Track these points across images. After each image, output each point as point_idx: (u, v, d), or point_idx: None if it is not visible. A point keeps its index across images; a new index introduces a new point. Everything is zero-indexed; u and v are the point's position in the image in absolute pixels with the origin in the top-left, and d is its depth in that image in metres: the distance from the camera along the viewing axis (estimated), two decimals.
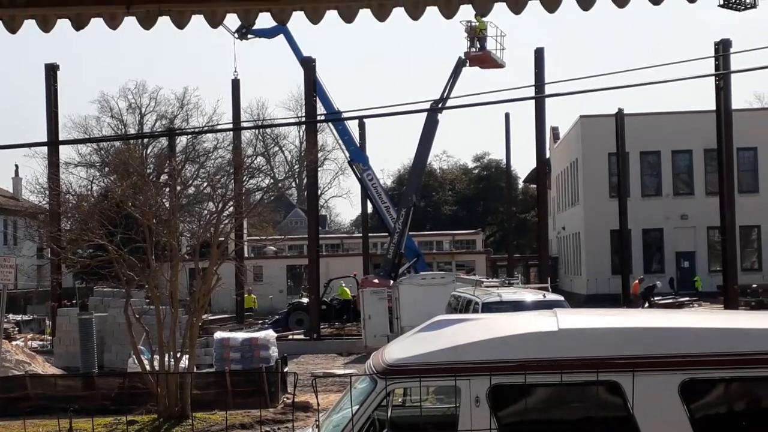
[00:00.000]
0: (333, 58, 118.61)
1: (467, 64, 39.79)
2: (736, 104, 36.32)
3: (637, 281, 45.28)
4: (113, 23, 6.40)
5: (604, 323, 8.10)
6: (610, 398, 7.16)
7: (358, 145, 44.72)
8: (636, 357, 7.16)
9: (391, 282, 34.15)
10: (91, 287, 34.97)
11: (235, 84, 43.51)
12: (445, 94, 38.56)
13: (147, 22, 6.31)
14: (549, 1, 6.48)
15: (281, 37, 42.03)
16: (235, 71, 43.52)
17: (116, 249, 18.39)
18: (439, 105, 36.55)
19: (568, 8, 6.79)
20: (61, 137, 45.93)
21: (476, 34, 39.40)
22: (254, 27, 39.77)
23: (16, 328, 38.51)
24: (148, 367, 18.73)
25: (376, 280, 36.55)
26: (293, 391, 18.30)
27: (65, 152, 79.80)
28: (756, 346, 7.27)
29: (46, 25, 6.45)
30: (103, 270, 19.74)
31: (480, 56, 39.77)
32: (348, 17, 6.44)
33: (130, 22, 6.48)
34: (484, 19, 37.64)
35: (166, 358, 18.41)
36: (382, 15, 6.45)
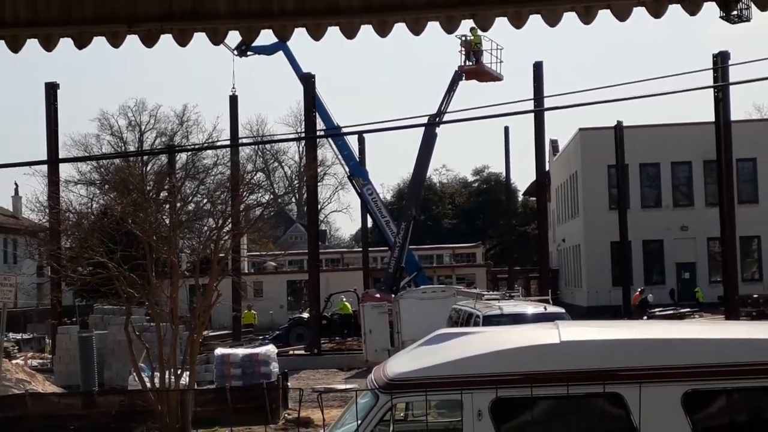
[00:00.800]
0: (332, 73, 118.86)
1: (463, 78, 39.94)
2: (735, 115, 36.45)
3: (637, 292, 45.25)
4: (115, 42, 6.44)
5: (606, 335, 8.11)
6: (613, 410, 7.17)
7: (358, 159, 44.78)
8: (638, 369, 7.17)
9: (393, 296, 34.14)
10: (91, 305, 34.92)
11: (233, 100, 43.61)
12: (443, 108, 38.71)
13: (149, 41, 6.36)
14: (550, 15, 6.53)
15: (280, 54, 42.15)
16: (234, 88, 43.62)
17: (116, 266, 18.38)
18: (437, 119, 36.65)
19: (569, 22, 6.85)
20: (61, 155, 46.03)
21: (471, 48, 39.55)
22: (254, 44, 39.87)
23: (16, 347, 38.45)
24: (148, 385, 18.69)
25: (377, 295, 36.54)
26: (298, 407, 18.29)
27: (65, 170, 79.83)
28: (758, 357, 7.29)
29: (48, 44, 6.50)
30: (103, 287, 19.71)
31: (475, 69, 39.93)
32: (349, 33, 6.49)
33: (131, 41, 6.53)
34: (480, 33, 37.81)
35: (167, 375, 18.38)
36: (383, 30, 6.50)
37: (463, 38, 39.09)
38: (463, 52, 39.83)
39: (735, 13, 30.49)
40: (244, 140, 62.18)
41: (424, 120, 36.41)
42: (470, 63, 39.90)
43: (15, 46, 6.58)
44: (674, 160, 54.85)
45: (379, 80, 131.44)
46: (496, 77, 40.66)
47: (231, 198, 22.95)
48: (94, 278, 19.98)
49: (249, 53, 42.60)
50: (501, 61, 40.69)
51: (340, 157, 43.78)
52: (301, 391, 18.79)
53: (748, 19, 29.24)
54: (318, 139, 46.32)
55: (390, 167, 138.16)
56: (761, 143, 52.56)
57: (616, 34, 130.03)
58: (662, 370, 7.16)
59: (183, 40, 6.48)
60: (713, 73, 33.04)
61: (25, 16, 6.48)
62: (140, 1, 6.39)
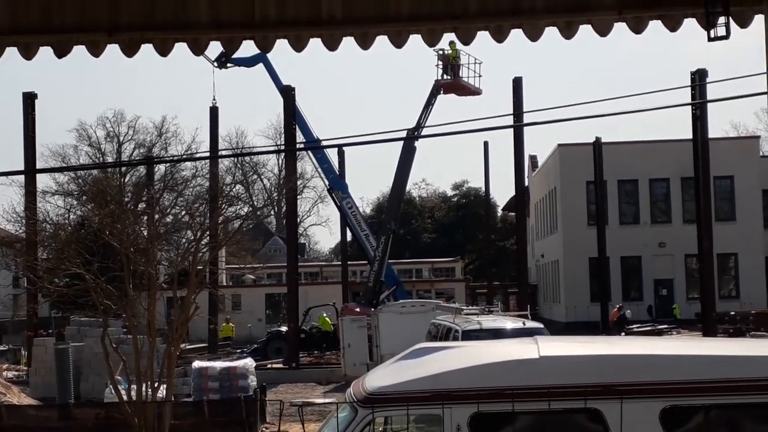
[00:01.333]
0: (311, 86, 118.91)
1: (441, 92, 40.02)
2: (712, 133, 36.70)
3: (615, 309, 45.38)
4: (96, 51, 6.39)
5: (585, 351, 8.11)
6: (592, 425, 7.16)
7: (338, 172, 44.77)
8: (616, 384, 7.17)
9: (372, 310, 34.07)
10: (68, 317, 34.63)
11: (214, 112, 43.50)
12: (421, 122, 38.81)
13: (130, 50, 6.31)
14: (531, 29, 6.55)
15: (260, 66, 42.11)
16: (214, 99, 43.54)
17: (93, 278, 18.25)
18: (415, 132, 36.72)
19: (549, 36, 6.87)
20: (38, 166, 45.73)
21: (449, 62, 39.59)
22: (233, 55, 39.82)
23: None
24: (125, 397, 18.54)
25: (357, 309, 36.44)
26: (278, 421, 18.18)
27: (42, 181, 79.26)
28: (735, 373, 7.30)
29: (28, 53, 6.44)
30: (80, 299, 19.56)
31: (452, 83, 39.99)
32: (331, 45, 6.47)
33: (111, 50, 6.49)
34: (459, 47, 37.91)
35: (144, 388, 18.24)
36: (365, 43, 6.49)
37: (441, 52, 39.13)
38: (441, 66, 39.89)
39: (714, 31, 30.61)
40: (224, 152, 62.04)
41: (403, 134, 36.51)
42: (447, 77, 39.98)
43: None
44: (652, 176, 55.16)
45: (360, 92, 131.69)
46: (474, 91, 40.75)
47: (210, 210, 22.86)
48: (71, 290, 19.81)
49: (229, 65, 42.54)
50: (480, 75, 40.83)
51: (319, 170, 43.76)
52: (281, 403, 18.69)
53: (726, 37, 29.34)
54: (298, 152, 46.27)
55: (370, 181, 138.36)
56: (738, 161, 52.95)
57: (596, 49, 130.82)
58: (641, 386, 7.16)
59: (164, 50, 6.44)
60: (691, 90, 33.28)
61: (5, 24, 6.42)
62: (122, 9, 6.34)
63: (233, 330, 47.34)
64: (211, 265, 24.93)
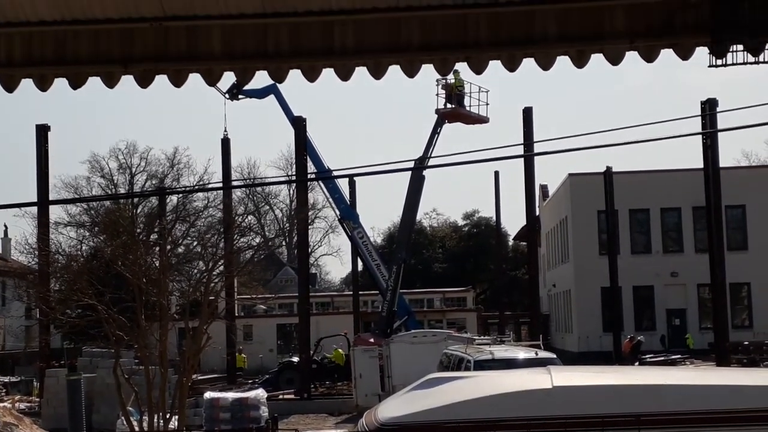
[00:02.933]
0: (321, 116, 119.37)
1: (446, 121, 40.13)
2: (723, 162, 36.65)
3: (627, 339, 45.17)
4: (110, 82, 6.44)
5: (599, 380, 8.06)
6: None
7: (349, 202, 44.78)
8: (632, 414, 7.12)
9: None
10: (80, 347, 34.67)
11: (225, 143, 43.66)
12: (429, 151, 38.96)
13: (144, 81, 6.36)
14: (543, 58, 6.58)
15: (271, 97, 42.29)
16: (225, 131, 43.70)
17: (105, 309, 18.28)
18: (424, 162, 36.83)
19: (561, 65, 6.89)
20: (51, 197, 45.94)
21: (452, 91, 39.64)
22: (245, 87, 40.04)
23: (4, 390, 38.10)
24: (137, 428, 18.51)
25: (371, 339, 36.34)
26: None
27: (55, 212, 79.65)
28: (750, 404, 7.24)
29: (43, 84, 6.49)
30: (92, 330, 19.61)
31: (452, 112, 40.03)
32: (344, 75, 6.51)
33: (126, 81, 6.53)
34: (463, 75, 38.01)
35: (156, 419, 18.21)
36: (377, 72, 6.53)
37: (444, 81, 39.14)
38: (443, 95, 39.93)
39: (722, 61, 30.63)
40: (236, 182, 62.19)
41: (412, 164, 36.62)
42: (451, 105, 40.04)
43: (10, 86, 6.58)
44: (664, 206, 55.03)
45: (370, 122, 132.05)
46: (479, 119, 40.72)
47: (224, 240, 22.91)
48: (83, 321, 19.86)
49: (240, 96, 42.72)
50: (487, 104, 40.88)
51: (330, 200, 43.80)
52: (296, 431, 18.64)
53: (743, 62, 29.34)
54: (309, 183, 46.35)
55: (381, 211, 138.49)
56: (750, 190, 52.80)
57: (606, 78, 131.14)
58: (656, 416, 7.11)
59: (178, 81, 6.48)
60: (701, 120, 33.27)
61: (20, 56, 6.48)
62: (136, 41, 6.40)
63: (245, 361, 47.26)
64: (226, 296, 24.99)
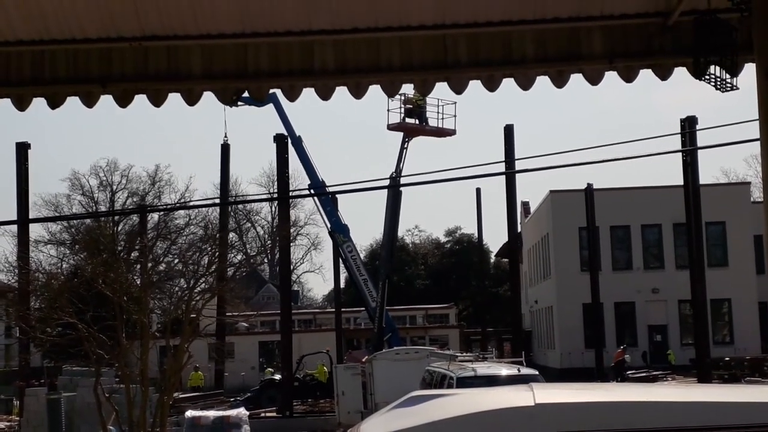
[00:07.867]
0: (317, 129, 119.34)
1: (408, 137, 40.37)
2: (703, 179, 36.86)
3: (620, 350, 45.43)
4: (89, 102, 6.42)
5: (582, 397, 8.04)
6: None
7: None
8: (615, 431, 7.11)
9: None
10: (60, 366, 34.44)
11: (225, 149, 43.54)
12: (400, 166, 39.44)
13: (123, 101, 6.35)
14: (523, 79, 6.60)
15: (259, 111, 42.34)
16: (225, 136, 43.63)
17: (86, 327, 18.18)
18: (397, 178, 37.17)
19: (541, 85, 6.92)
20: (31, 215, 45.74)
21: (413, 105, 39.70)
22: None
23: None
24: None
25: (365, 357, 36.24)
26: None
27: (35, 230, 79.19)
28: (734, 420, 7.24)
29: (21, 104, 6.47)
30: (73, 348, 19.49)
31: (402, 126, 40.18)
32: (324, 94, 6.52)
33: (105, 101, 6.51)
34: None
35: None
36: (358, 92, 6.54)
37: (403, 96, 39.15)
38: (398, 111, 40.02)
39: (707, 78, 30.84)
40: (216, 200, 62.03)
41: (394, 181, 36.75)
42: (411, 121, 40.29)
43: None
44: (644, 222, 55.27)
45: (346, 139, 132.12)
46: (440, 132, 40.73)
47: (216, 254, 22.81)
48: (64, 339, 19.74)
49: (240, 103, 42.51)
50: (454, 116, 40.91)
51: (322, 212, 43.65)
52: None
53: (735, 87, 29.69)
54: (291, 200, 46.27)
55: (362, 228, 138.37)
56: (730, 207, 53.12)
57: (586, 96, 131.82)
58: None
59: (157, 101, 6.47)
60: (681, 137, 33.49)
61: None
62: (115, 60, 6.39)
63: (202, 379, 46.49)
64: (216, 314, 24.89)
